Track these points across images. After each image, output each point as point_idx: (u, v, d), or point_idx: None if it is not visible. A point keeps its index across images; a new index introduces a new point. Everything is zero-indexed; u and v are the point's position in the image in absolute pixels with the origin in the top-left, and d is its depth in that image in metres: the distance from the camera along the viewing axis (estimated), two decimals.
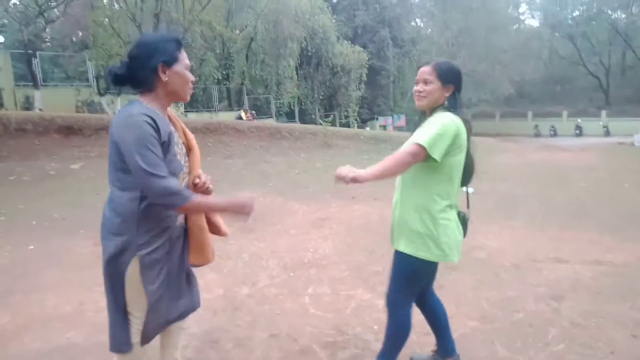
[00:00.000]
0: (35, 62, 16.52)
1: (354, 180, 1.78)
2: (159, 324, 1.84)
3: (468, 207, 2.13)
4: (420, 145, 1.84)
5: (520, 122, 32.00)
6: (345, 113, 26.32)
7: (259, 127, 12.95)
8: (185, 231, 1.88)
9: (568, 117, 30.04)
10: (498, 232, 5.07)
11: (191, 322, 2.88)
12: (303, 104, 26.15)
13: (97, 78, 18.95)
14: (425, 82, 2.00)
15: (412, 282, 2.10)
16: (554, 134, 28.16)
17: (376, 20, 30.17)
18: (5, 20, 20.41)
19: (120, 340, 1.79)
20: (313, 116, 25.74)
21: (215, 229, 1.99)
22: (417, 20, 37.61)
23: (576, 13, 37.28)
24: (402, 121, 28.85)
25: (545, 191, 7.61)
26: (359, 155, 12.00)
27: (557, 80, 40.29)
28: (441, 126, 1.87)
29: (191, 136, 1.89)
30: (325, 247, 4.53)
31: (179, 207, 1.64)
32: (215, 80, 22.70)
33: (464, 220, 2.10)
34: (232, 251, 4.31)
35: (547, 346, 2.59)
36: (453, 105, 2.00)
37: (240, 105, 23.37)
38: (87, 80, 19.53)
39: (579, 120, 28.09)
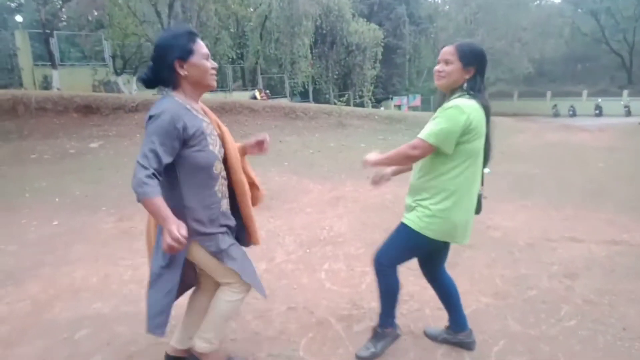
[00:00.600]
0: (53, 41, 16.68)
1: (365, 162, 2.11)
2: (255, 278, 2.03)
3: (482, 184, 2.16)
4: (423, 140, 1.92)
5: (539, 101, 31.36)
6: (360, 93, 26.11)
7: (273, 106, 12.96)
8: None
9: (588, 97, 29.34)
10: (513, 212, 5.08)
11: None
12: (317, 83, 26.00)
13: (114, 57, 19.09)
14: (447, 63, 1.99)
15: (409, 253, 2.20)
16: (573, 114, 27.55)
17: None
18: (22, 0, 20.56)
19: (161, 324, 1.93)
20: (327, 96, 25.61)
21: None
22: None
23: None
24: (417, 101, 28.53)
25: (562, 171, 7.55)
26: (374, 135, 11.97)
27: (578, 59, 39.22)
28: (447, 119, 1.91)
29: (225, 129, 1.98)
30: (340, 225, 4.60)
31: (138, 198, 1.63)
32: (230, 60, 22.65)
33: (478, 199, 2.13)
34: None
35: (560, 322, 2.64)
36: (472, 88, 1.98)
37: (254, 85, 23.36)
38: (104, 59, 19.68)
39: (599, 100, 27.41)
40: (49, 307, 2.89)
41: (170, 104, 1.75)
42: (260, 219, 4.88)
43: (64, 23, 22.48)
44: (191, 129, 1.75)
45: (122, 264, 3.61)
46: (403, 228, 2.11)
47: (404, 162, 2.11)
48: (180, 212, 1.76)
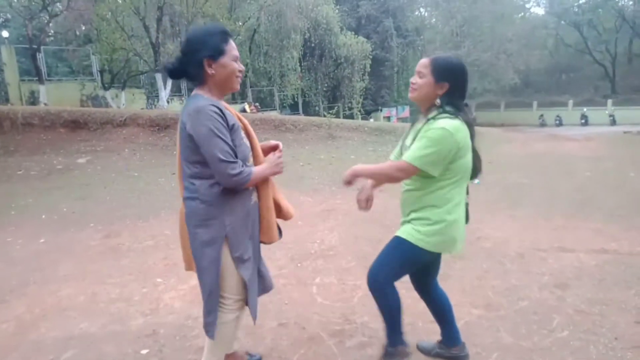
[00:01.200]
0: (40, 56, 16.60)
1: (347, 175, 2.03)
2: (255, 297, 2.01)
3: (467, 193, 2.16)
4: (409, 164, 1.88)
5: (526, 112, 31.79)
6: (349, 104, 26.30)
7: (263, 119, 12.98)
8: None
9: (574, 107, 29.81)
10: (503, 222, 5.10)
11: (202, 312, 2.95)
12: (307, 95, 26.14)
13: (101, 72, 19.03)
14: (420, 75, 1.94)
15: (406, 268, 2.14)
16: (560, 123, 27.97)
17: (380, 10, 30.02)
18: (9, 15, 20.49)
19: (212, 322, 1.93)
20: (317, 108, 25.74)
21: (281, 214, 2.13)
22: (422, 9, 37.35)
23: (582, 0, 36.84)
24: (406, 112, 28.78)
25: (550, 181, 7.62)
26: (364, 146, 12.02)
27: (562, 69, 39.94)
28: (434, 143, 1.85)
29: (246, 121, 1.99)
30: (331, 238, 4.59)
31: (246, 184, 1.80)
32: None
33: (465, 208, 2.12)
34: None
35: (552, 333, 2.64)
36: (449, 104, 1.91)
37: (243, 98, 23.40)
38: (92, 74, 19.62)
39: (585, 110, 27.87)
40: (34, 328, 2.82)
41: (203, 100, 1.76)
42: None
43: (51, 38, 22.40)
44: (230, 121, 1.79)
45: (109, 281, 3.55)
46: (398, 242, 2.05)
47: (386, 181, 2.08)
48: (219, 207, 1.82)
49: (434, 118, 1.92)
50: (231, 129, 1.79)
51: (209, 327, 1.93)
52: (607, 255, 3.95)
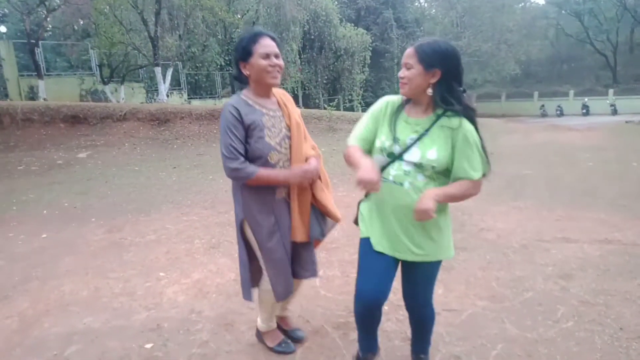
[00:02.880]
0: (38, 51, 16.51)
1: (425, 210, 1.70)
2: (283, 281, 2.15)
3: None
4: (481, 177, 1.78)
5: (527, 102, 31.68)
6: (350, 97, 26.17)
7: None
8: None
9: (575, 97, 29.71)
10: (506, 213, 5.08)
11: (205, 306, 2.95)
12: (307, 88, 25.99)
13: (100, 66, 18.93)
14: (407, 67, 1.75)
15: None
16: (561, 113, 27.85)
17: (379, 1, 29.78)
18: (6, 10, 20.38)
19: (245, 291, 2.24)
20: (317, 100, 25.62)
21: (325, 211, 2.24)
22: (421, 0, 37.11)
23: None
24: None
25: (553, 171, 7.60)
26: None
27: (563, 59, 39.76)
28: (479, 146, 1.76)
29: (294, 123, 2.12)
30: (333, 231, 4.55)
31: (246, 181, 1.99)
32: (218, 66, 22.61)
33: None
34: None
35: (557, 323, 2.63)
36: (445, 90, 1.72)
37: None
38: (90, 68, 19.51)
39: (586, 100, 27.77)
40: (37, 323, 2.81)
41: (232, 100, 2.03)
42: None
43: (50, 33, 22.28)
44: (247, 121, 1.98)
45: (112, 276, 3.54)
46: (439, 265, 1.94)
47: (464, 199, 1.84)
48: (241, 191, 2.07)
49: (448, 117, 1.75)
50: (247, 128, 1.97)
51: (243, 291, 2.25)
52: (611, 245, 3.94)
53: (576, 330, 2.55)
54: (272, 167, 2.02)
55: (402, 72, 1.78)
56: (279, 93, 2.19)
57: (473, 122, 1.77)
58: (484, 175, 1.79)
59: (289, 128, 2.10)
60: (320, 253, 3.94)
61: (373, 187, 1.67)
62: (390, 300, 2.72)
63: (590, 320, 2.65)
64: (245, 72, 2.01)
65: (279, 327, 2.50)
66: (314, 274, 2.33)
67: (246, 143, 1.99)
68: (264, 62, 1.97)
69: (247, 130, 1.98)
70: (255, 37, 1.98)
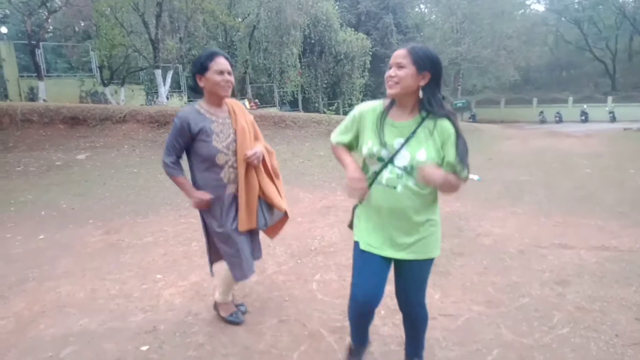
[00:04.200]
0: (39, 52, 16.53)
1: (431, 174, 1.73)
2: (239, 265, 2.50)
3: None
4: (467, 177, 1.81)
5: (526, 108, 31.74)
6: (349, 101, 26.20)
7: (262, 116, 12.94)
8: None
9: (574, 103, 29.77)
10: (503, 219, 5.09)
11: (202, 309, 2.95)
12: (306, 92, 26.05)
13: (101, 68, 18.94)
14: (399, 67, 1.77)
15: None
16: (560, 120, 27.92)
17: (380, 6, 29.91)
18: (7, 11, 20.39)
19: (209, 267, 2.76)
20: (317, 105, 25.67)
21: (271, 203, 2.59)
22: (422, 6, 37.25)
23: None
24: None
25: (551, 178, 7.61)
26: None
27: (562, 66, 39.89)
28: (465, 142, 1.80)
29: (240, 128, 2.42)
30: (331, 235, 4.57)
31: (170, 177, 2.43)
32: None
33: None
34: None
35: (552, 329, 2.63)
36: (431, 94, 1.79)
37: (243, 95, 23.32)
38: (91, 70, 19.54)
39: (585, 107, 27.83)
40: (33, 324, 2.81)
41: (185, 109, 2.41)
42: None
43: (50, 34, 22.32)
44: (195, 128, 2.32)
45: (109, 278, 3.54)
46: (431, 263, 1.97)
47: (451, 191, 1.84)
48: (195, 187, 2.45)
49: (434, 119, 1.80)
50: (196, 134, 2.33)
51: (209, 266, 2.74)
52: (608, 252, 3.95)
53: (572, 337, 2.55)
54: (222, 167, 2.38)
55: (393, 72, 1.79)
56: (231, 102, 2.52)
57: (455, 126, 1.82)
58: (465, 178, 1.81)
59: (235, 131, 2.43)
60: (318, 257, 3.95)
61: (358, 186, 1.84)
62: (387, 304, 2.74)
63: (586, 327, 2.66)
64: (201, 84, 2.36)
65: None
66: (258, 256, 2.72)
67: (195, 145, 2.36)
68: (218, 77, 2.32)
69: (196, 136, 2.33)
70: (212, 56, 2.33)
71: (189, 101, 20.70)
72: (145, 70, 20.06)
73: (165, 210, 5.60)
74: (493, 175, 7.74)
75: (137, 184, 7.14)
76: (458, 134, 1.80)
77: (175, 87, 21.54)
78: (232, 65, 2.43)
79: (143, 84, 20.99)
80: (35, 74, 16.45)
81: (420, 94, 1.79)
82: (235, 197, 2.47)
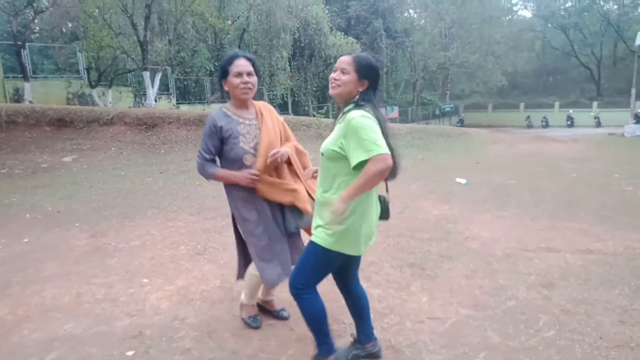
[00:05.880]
0: (25, 53, 16.28)
1: (336, 211, 1.90)
2: (271, 269, 2.44)
3: (387, 191, 2.15)
4: (380, 154, 1.79)
5: (513, 113, 32.17)
6: (339, 105, 26.26)
7: None
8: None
9: (560, 108, 30.27)
10: (490, 222, 5.14)
11: (189, 313, 2.93)
12: (296, 95, 26.09)
13: (88, 70, 18.73)
14: (343, 72, 1.99)
15: (323, 271, 2.14)
16: (546, 125, 28.34)
17: (369, 11, 30.07)
18: None
19: (239, 271, 2.76)
20: (306, 108, 25.71)
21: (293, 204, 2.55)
22: (411, 11, 37.55)
23: (569, 4, 37.39)
24: (395, 113, 28.84)
25: (537, 182, 7.70)
26: None
27: (549, 72, 40.50)
28: (370, 128, 1.84)
29: (265, 128, 2.46)
30: None
31: (208, 178, 2.46)
32: (208, 72, 22.55)
33: (384, 204, 2.12)
34: (229, 243, 4.33)
35: (538, 332, 2.66)
36: (365, 99, 1.98)
37: None
38: (78, 72, 19.29)
39: (571, 111, 28.31)
40: (17, 329, 2.76)
41: (214, 112, 2.48)
42: None
43: (37, 35, 22.01)
44: (226, 131, 2.39)
45: (94, 282, 3.50)
46: (313, 247, 2.03)
47: (379, 182, 1.88)
48: (228, 191, 2.50)
49: (348, 111, 1.96)
50: (223, 136, 2.39)
51: (238, 271, 2.76)
52: (593, 255, 4.00)
53: (557, 339, 2.58)
54: (249, 168, 2.39)
55: (337, 75, 2.00)
56: (259, 104, 2.56)
57: (381, 127, 1.93)
58: (374, 156, 1.80)
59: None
60: None
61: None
62: (375, 308, 2.74)
63: (571, 329, 2.69)
64: (225, 88, 2.44)
65: (264, 309, 2.88)
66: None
67: (223, 148, 2.41)
68: (236, 80, 2.37)
69: (224, 138, 2.39)
70: (231, 59, 2.38)
71: (177, 104, 20.63)
72: (133, 72, 19.86)
73: (153, 213, 5.55)
74: (480, 179, 7.81)
75: (124, 187, 7.06)
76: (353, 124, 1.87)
77: (164, 89, 21.39)
78: (254, 65, 2.42)
79: (131, 86, 20.79)
80: (21, 75, 16.21)
81: (357, 97, 2.01)
82: (267, 201, 2.46)
